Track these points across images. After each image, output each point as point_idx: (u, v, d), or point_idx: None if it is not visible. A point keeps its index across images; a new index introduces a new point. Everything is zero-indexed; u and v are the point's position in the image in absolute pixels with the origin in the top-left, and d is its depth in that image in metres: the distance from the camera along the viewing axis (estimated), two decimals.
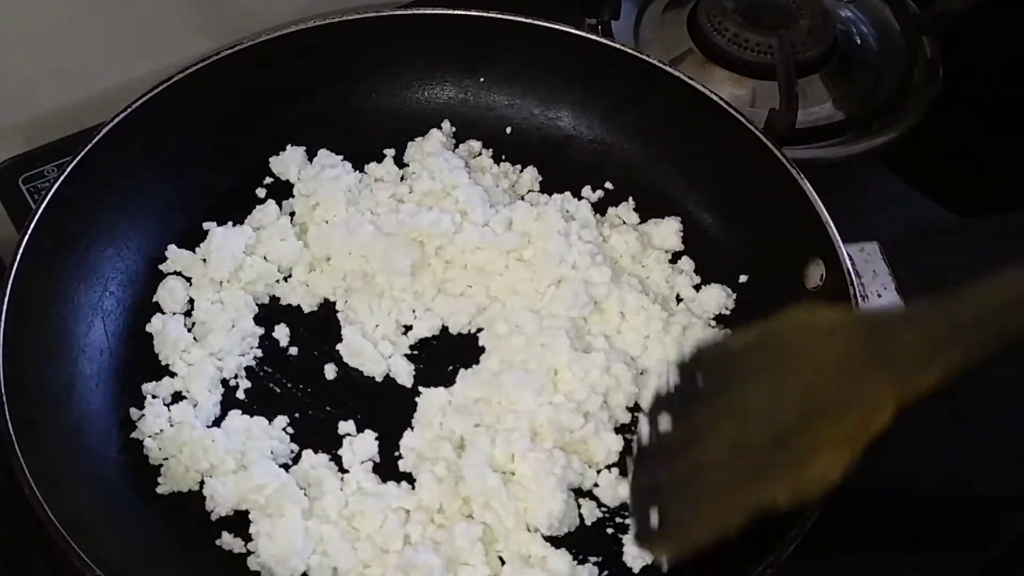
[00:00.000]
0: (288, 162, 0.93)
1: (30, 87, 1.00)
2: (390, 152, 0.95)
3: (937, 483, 0.86)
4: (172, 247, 0.87)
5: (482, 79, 0.97)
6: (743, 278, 0.88)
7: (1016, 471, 0.85)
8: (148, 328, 0.84)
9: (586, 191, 0.93)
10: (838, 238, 0.79)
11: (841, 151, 1.00)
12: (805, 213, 0.81)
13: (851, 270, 0.78)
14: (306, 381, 0.84)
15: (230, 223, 0.89)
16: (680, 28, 1.07)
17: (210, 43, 0.97)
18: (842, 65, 1.05)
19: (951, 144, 1.06)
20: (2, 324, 0.74)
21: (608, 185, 0.94)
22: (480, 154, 0.96)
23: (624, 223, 0.92)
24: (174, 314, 0.85)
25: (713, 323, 0.87)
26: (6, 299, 0.75)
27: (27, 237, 0.79)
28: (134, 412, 0.80)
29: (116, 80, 1.03)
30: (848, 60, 1.06)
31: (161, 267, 0.87)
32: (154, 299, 0.86)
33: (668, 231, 0.91)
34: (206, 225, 0.89)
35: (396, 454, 0.80)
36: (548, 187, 0.94)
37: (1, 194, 0.96)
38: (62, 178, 0.81)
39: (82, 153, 0.83)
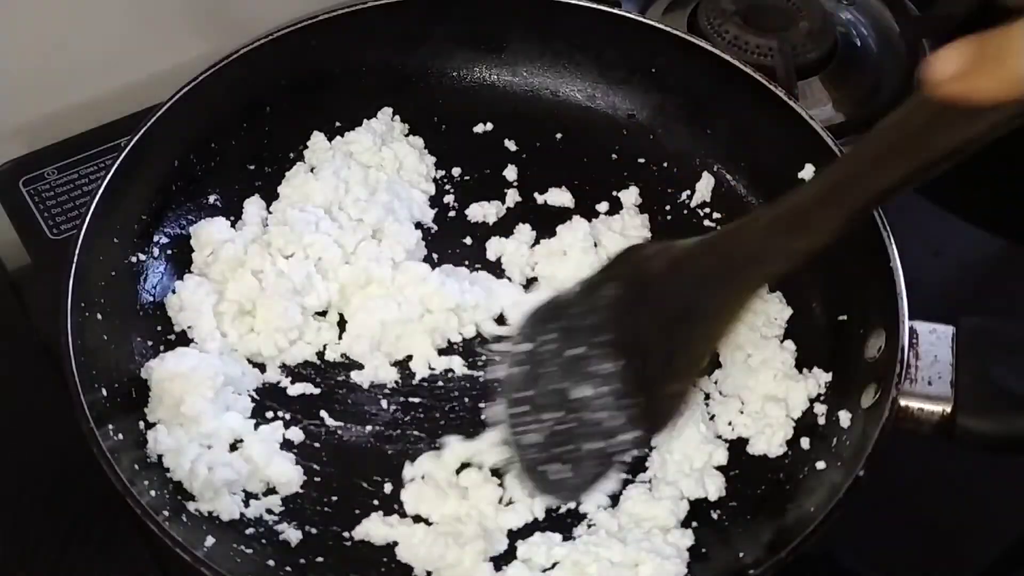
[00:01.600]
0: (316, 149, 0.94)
1: (31, 89, 1.00)
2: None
3: (936, 483, 0.86)
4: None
5: (503, 55, 0.97)
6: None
7: (1015, 470, 0.85)
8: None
9: (624, 195, 0.93)
10: (906, 313, 0.75)
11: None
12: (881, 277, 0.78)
13: (906, 347, 0.74)
14: None
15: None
16: (680, 30, 1.07)
17: (211, 45, 0.98)
18: (842, 67, 1.05)
19: None
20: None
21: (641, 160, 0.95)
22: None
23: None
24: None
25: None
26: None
27: (87, 224, 0.79)
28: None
29: (117, 82, 1.03)
30: (848, 62, 1.06)
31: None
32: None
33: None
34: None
35: None
36: (572, 167, 0.95)
37: (1, 196, 0.96)
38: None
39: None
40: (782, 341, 0.84)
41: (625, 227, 0.90)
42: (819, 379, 0.81)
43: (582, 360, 0.70)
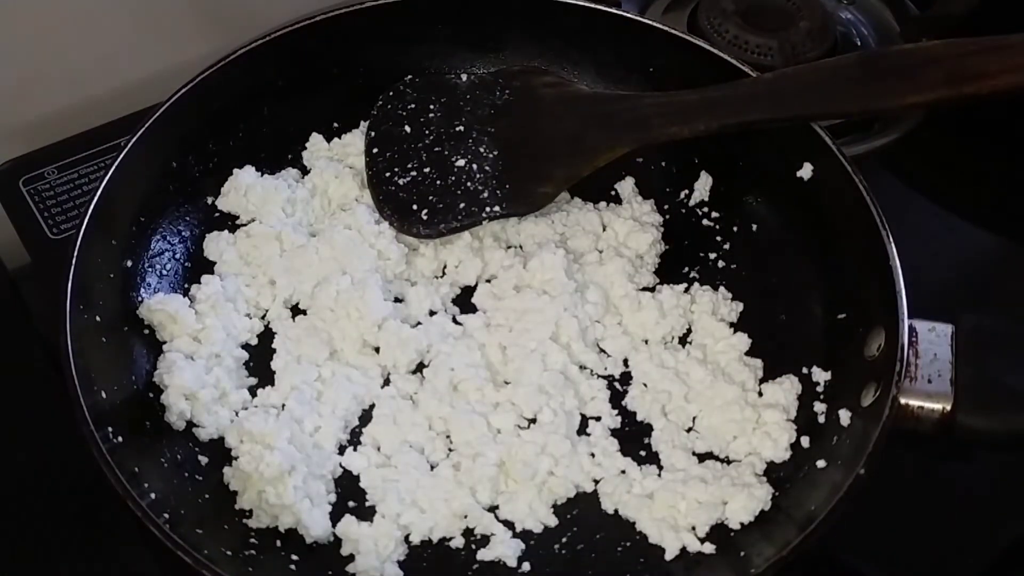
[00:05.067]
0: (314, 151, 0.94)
1: (31, 89, 1.00)
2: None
3: (936, 483, 0.86)
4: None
5: (503, 55, 0.97)
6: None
7: (1016, 470, 0.85)
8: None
9: (620, 185, 0.93)
10: (905, 311, 0.75)
11: None
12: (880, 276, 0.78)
13: (906, 345, 0.74)
14: None
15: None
16: (680, 30, 1.07)
17: (210, 45, 0.98)
18: None
19: (951, 146, 1.06)
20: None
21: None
22: None
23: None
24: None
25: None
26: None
27: (85, 225, 0.79)
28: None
29: (117, 82, 1.03)
30: None
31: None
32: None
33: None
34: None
35: None
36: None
37: (1, 195, 0.96)
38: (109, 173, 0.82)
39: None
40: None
41: (635, 213, 0.91)
42: (819, 377, 0.81)
43: (464, 137, 0.87)
